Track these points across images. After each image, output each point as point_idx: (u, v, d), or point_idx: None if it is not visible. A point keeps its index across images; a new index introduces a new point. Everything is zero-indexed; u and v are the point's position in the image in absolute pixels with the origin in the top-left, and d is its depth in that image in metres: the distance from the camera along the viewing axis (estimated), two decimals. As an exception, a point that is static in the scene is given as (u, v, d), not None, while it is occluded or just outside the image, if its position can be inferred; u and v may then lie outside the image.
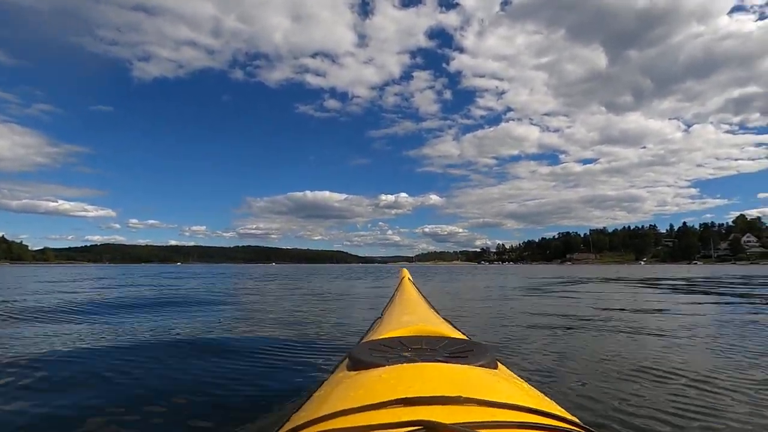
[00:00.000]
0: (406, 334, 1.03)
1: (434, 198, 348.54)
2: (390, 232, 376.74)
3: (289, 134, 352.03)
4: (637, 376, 2.21)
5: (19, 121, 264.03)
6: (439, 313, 1.66)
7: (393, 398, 0.52)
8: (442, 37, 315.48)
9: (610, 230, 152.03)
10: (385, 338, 0.98)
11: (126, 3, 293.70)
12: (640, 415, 1.66)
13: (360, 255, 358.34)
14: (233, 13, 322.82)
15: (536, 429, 0.49)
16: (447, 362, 0.72)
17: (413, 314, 1.51)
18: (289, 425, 0.59)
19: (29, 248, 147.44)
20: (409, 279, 2.56)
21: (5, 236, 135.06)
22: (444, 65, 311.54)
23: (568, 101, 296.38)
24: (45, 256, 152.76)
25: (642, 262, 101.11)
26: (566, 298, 7.08)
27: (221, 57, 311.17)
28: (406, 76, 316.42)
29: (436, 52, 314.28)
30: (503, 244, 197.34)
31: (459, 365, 0.70)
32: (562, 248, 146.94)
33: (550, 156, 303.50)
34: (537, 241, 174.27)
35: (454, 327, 1.29)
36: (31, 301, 6.32)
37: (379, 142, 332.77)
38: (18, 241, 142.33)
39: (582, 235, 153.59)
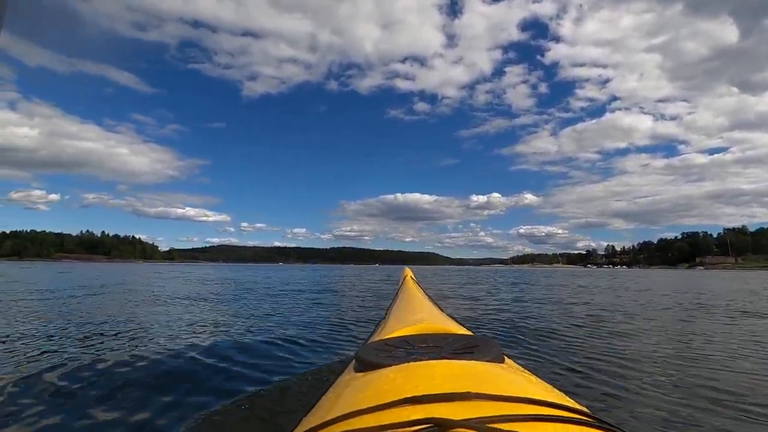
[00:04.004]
0: (412, 333, 1.03)
1: (529, 197, 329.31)
2: (482, 233, 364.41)
3: (380, 139, 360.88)
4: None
5: (156, 140, 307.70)
6: (443, 310, 1.66)
7: (402, 397, 0.52)
8: (536, 27, 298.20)
9: (752, 229, 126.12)
10: (391, 338, 0.98)
11: (237, 30, 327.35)
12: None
13: (452, 257, 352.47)
14: (327, 27, 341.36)
15: (547, 421, 0.48)
16: (454, 359, 0.72)
17: (417, 312, 1.51)
18: (299, 429, 0.59)
19: (159, 249, 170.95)
20: (411, 278, 2.51)
21: (141, 239, 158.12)
22: (539, 57, 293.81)
23: (688, 84, 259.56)
24: (171, 255, 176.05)
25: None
26: None
27: (317, 70, 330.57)
28: (498, 72, 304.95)
29: (529, 45, 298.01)
30: (613, 246, 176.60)
31: (466, 361, 0.70)
32: (689, 250, 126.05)
33: (665, 147, 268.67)
34: (655, 242, 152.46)
35: (459, 323, 1.29)
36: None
37: (470, 141, 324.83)
38: (151, 242, 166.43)
39: (714, 236, 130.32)
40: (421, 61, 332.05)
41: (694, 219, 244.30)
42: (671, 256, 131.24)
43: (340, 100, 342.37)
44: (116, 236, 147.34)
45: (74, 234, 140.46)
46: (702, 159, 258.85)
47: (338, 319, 4.87)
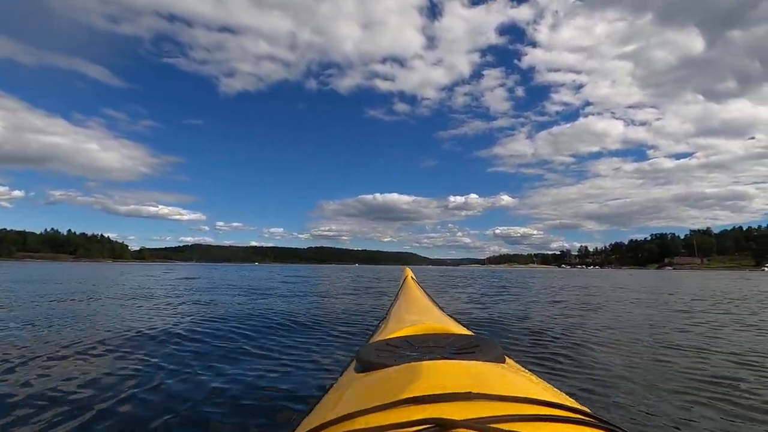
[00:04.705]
0: (412, 333, 1.03)
1: (506, 199, 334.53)
2: (460, 233, 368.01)
3: (359, 139, 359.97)
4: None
5: (128, 136, 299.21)
6: (443, 311, 1.66)
7: (403, 398, 0.52)
8: (513, 32, 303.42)
9: (716, 231, 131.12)
10: (392, 338, 0.97)
11: (214, 25, 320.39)
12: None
13: (430, 257, 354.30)
14: (308, 26, 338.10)
15: (548, 421, 0.48)
16: (455, 359, 0.72)
17: (418, 313, 1.51)
18: (300, 430, 0.59)
19: (129, 248, 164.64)
20: (412, 278, 2.49)
21: (111, 237, 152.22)
22: (516, 61, 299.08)
23: (657, 91, 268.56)
24: (142, 255, 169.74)
25: (766, 269, 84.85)
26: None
27: (296, 69, 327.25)
28: (476, 75, 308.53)
29: (507, 49, 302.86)
30: (586, 247, 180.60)
31: (467, 361, 0.70)
32: (658, 251, 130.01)
33: (636, 152, 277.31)
34: (626, 243, 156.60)
35: (460, 324, 1.28)
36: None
37: (448, 143, 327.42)
38: (121, 241, 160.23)
39: (681, 237, 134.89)
40: (401, 62, 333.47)
41: (663, 221, 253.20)
42: (641, 256, 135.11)
43: (320, 99, 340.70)
44: (83, 235, 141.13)
45: (38, 232, 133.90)
46: (669, 163, 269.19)
47: (337, 319, 4.71)
